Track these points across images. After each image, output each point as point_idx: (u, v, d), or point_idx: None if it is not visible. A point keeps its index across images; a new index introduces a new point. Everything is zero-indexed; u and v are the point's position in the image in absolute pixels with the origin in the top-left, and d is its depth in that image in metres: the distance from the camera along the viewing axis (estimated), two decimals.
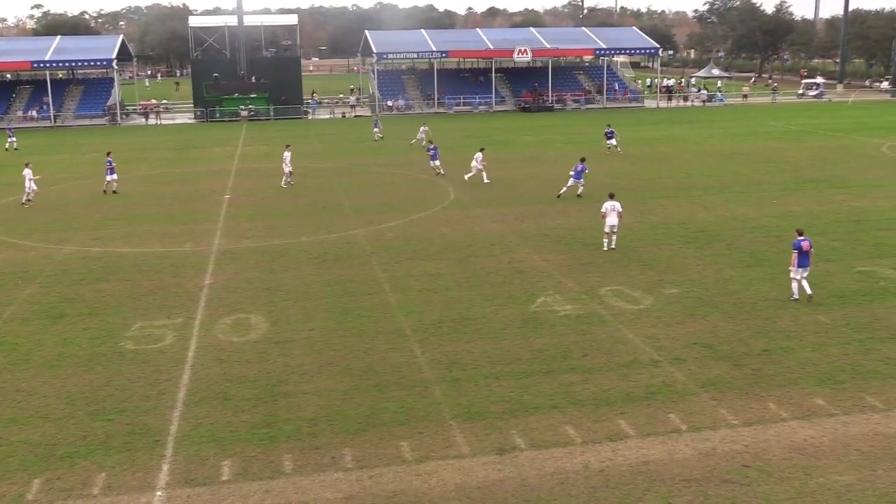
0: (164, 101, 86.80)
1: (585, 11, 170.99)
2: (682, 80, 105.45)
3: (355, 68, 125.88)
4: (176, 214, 33.40)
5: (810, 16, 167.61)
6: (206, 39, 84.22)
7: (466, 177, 38.72)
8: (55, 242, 28.65)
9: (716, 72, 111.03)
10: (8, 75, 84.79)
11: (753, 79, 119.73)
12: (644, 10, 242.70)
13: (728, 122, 66.48)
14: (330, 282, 23.31)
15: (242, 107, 75.36)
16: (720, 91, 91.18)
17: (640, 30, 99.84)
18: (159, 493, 12.63)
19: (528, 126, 65.08)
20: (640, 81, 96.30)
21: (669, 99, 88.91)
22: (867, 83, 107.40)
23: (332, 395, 15.78)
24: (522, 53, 79.16)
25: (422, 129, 53.89)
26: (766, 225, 29.22)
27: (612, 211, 25.66)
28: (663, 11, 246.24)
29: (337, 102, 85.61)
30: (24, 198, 35.42)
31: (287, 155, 38.96)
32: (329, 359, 17.61)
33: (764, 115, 71.80)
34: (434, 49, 79.67)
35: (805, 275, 20.56)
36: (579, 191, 34.61)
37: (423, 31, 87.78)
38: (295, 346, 18.35)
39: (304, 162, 45.32)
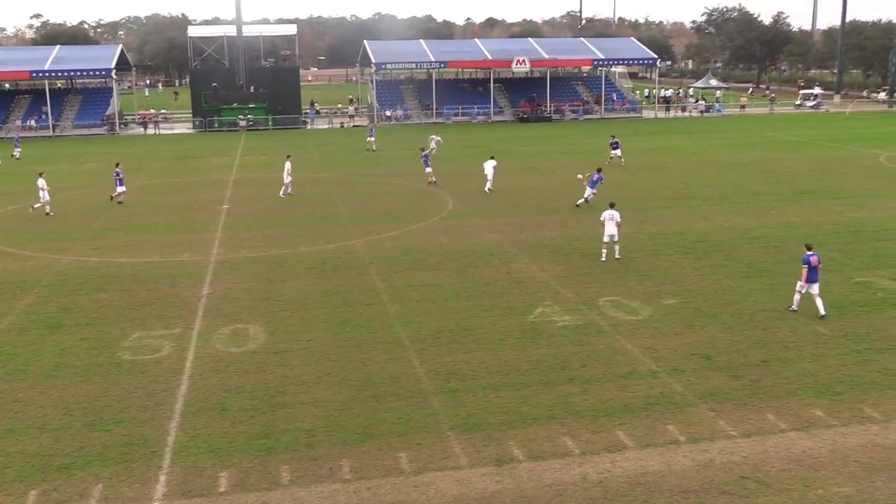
0: (162, 111, 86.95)
1: (584, 22, 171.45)
2: (680, 90, 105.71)
3: (354, 78, 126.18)
4: (174, 224, 33.40)
5: (808, 27, 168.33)
6: (205, 49, 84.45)
7: (487, 187, 39.11)
8: (53, 252, 28.63)
9: (714, 82, 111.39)
10: (7, 85, 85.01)
11: (751, 89, 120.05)
12: (642, 20, 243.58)
13: (726, 133, 66.61)
14: (328, 292, 23.30)
15: (241, 116, 75.48)
16: (718, 101, 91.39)
17: (638, 40, 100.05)
18: None
19: (526, 136, 65.16)
20: (638, 92, 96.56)
21: (667, 109, 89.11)
22: (864, 94, 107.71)
23: (330, 406, 15.76)
24: (521, 64, 79.35)
25: (433, 138, 53.87)
26: (765, 235, 29.25)
27: (609, 220, 25.71)
28: (661, 22, 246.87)
29: (336, 113, 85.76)
30: (42, 206, 35.56)
31: (287, 165, 39.08)
32: (327, 369, 17.59)
33: (762, 126, 71.96)
34: (432, 59, 79.85)
35: (817, 291, 20.30)
36: (586, 195, 34.54)
37: (421, 41, 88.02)
38: (293, 357, 18.33)
39: (303, 172, 45.33)
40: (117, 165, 39.24)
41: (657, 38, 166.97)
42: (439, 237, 29.95)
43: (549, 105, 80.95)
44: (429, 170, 41.47)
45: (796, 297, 20.67)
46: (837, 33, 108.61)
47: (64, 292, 23.71)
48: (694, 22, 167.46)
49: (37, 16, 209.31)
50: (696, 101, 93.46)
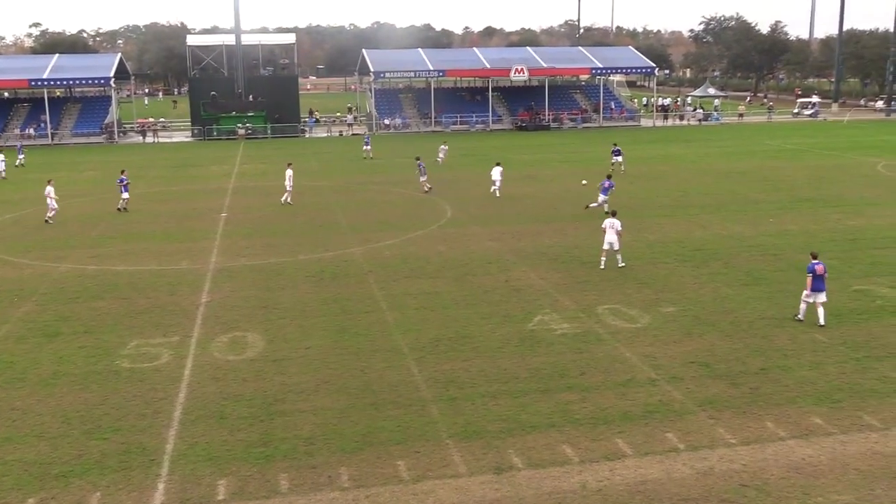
0: (161, 119, 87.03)
1: (582, 31, 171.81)
2: (679, 99, 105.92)
3: (352, 87, 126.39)
4: (173, 232, 33.40)
5: (805, 35, 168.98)
6: (204, 58, 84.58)
7: (496, 193, 39.97)
8: (51, 260, 28.62)
9: (712, 91, 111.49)
10: (6, 93, 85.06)
11: (749, 98, 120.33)
12: (640, 29, 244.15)
13: (724, 141, 66.73)
14: (327, 300, 23.29)
15: (240, 125, 75.59)
16: (716, 110, 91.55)
17: (637, 49, 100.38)
18: None
19: (524, 145, 65.26)
20: (636, 100, 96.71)
21: (665, 118, 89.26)
22: (862, 102, 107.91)
23: (329, 414, 15.73)
24: (519, 72, 79.54)
25: (442, 148, 53.85)
26: (763, 244, 29.27)
27: (610, 228, 25.76)
28: (659, 31, 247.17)
29: (334, 121, 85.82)
30: (50, 213, 35.69)
31: (289, 173, 39.18)
32: (326, 377, 17.57)
33: (760, 134, 72.10)
34: (431, 68, 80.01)
35: (823, 299, 20.18)
36: (597, 202, 34.55)
37: (420, 50, 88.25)
38: (291, 365, 18.30)
39: (302, 180, 45.31)
40: (122, 172, 39.27)
41: (655, 46, 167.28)
42: (438, 245, 29.96)
43: (547, 113, 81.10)
44: (423, 178, 41.63)
45: (802, 306, 20.56)
46: (835, 42, 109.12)
47: (62, 300, 23.69)
48: (692, 31, 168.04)
49: (36, 24, 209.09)
50: (695, 109, 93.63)
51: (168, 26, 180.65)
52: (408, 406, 16.07)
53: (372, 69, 79.05)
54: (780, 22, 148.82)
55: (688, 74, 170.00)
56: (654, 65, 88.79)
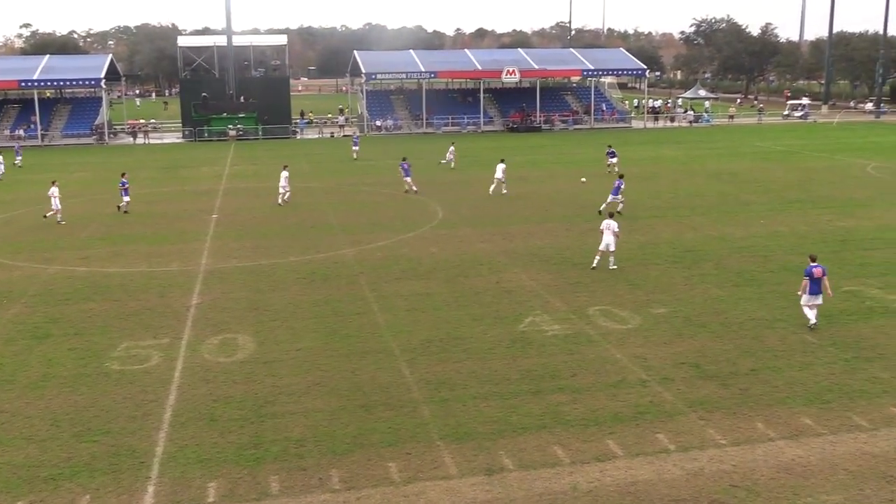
0: (152, 121, 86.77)
1: (573, 33, 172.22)
2: (669, 100, 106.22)
3: (344, 88, 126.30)
4: (163, 234, 33.29)
5: (795, 38, 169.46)
6: (195, 59, 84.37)
7: (500, 191, 40.34)
8: (41, 262, 28.49)
9: (702, 93, 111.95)
10: None
11: (739, 100, 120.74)
12: (631, 31, 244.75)
13: (715, 143, 66.93)
14: (318, 302, 23.26)
15: (231, 126, 75.43)
16: (707, 112, 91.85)
17: (627, 51, 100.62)
18: None
19: (516, 146, 65.28)
20: (627, 102, 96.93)
21: (656, 119, 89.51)
22: (852, 104, 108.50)
23: (320, 416, 15.70)
24: (511, 74, 79.60)
25: (451, 149, 53.78)
26: (754, 245, 29.35)
27: (606, 230, 25.83)
28: (650, 33, 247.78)
29: (326, 122, 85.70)
30: (54, 214, 35.62)
31: (285, 174, 39.39)
32: (317, 379, 17.54)
33: (750, 136, 72.34)
34: (423, 69, 79.99)
35: (819, 301, 20.11)
36: (619, 207, 34.57)
37: (411, 51, 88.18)
38: (282, 367, 18.27)
39: (293, 182, 45.10)
40: (123, 175, 39.17)
41: (646, 48, 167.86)
42: (429, 246, 29.94)
43: (538, 115, 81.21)
44: (408, 179, 41.74)
45: (806, 311, 20.21)
46: (825, 44, 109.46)
47: (51, 302, 23.59)
48: (683, 33, 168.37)
49: (26, 25, 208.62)
50: (685, 111, 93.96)
51: (159, 27, 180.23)
52: (399, 408, 16.06)
53: (363, 70, 79.02)
54: (770, 24, 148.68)
55: (678, 76, 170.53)
56: (644, 67, 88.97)
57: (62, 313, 22.48)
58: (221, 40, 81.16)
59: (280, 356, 18.92)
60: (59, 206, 35.77)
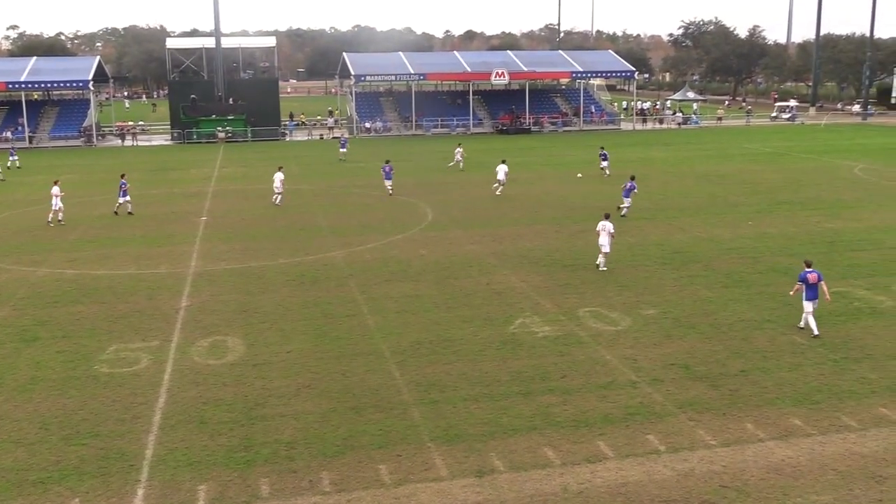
0: (140, 123, 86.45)
1: (562, 35, 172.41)
2: (658, 102, 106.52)
3: (333, 90, 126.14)
4: (152, 236, 33.17)
5: (783, 40, 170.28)
6: (184, 61, 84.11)
7: (498, 191, 41.04)
8: (29, 265, 28.34)
9: (691, 95, 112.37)
10: None
11: (727, 101, 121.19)
12: (620, 33, 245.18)
13: (703, 145, 67.16)
14: (308, 304, 23.21)
15: (220, 128, 75.23)
16: (695, 114, 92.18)
17: (616, 53, 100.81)
18: None
19: (505, 148, 65.14)
20: (616, 104, 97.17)
21: (645, 121, 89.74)
22: (839, 106, 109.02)
23: (310, 418, 15.67)
24: (500, 76, 79.67)
25: (457, 150, 53.71)
26: (742, 246, 29.46)
27: (602, 230, 25.90)
28: (639, 35, 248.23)
29: (315, 124, 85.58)
30: (55, 216, 35.46)
31: (280, 176, 39.74)
32: (307, 381, 17.50)
33: (738, 138, 72.61)
34: (412, 71, 80.00)
35: (814, 307, 19.89)
36: (623, 211, 34.71)
37: (400, 53, 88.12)
38: (272, 369, 18.22)
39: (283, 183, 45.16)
40: (122, 177, 38.99)
41: (635, 50, 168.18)
42: (419, 248, 29.93)
43: (528, 117, 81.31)
44: (388, 182, 41.86)
45: (809, 319, 19.95)
46: (812, 47, 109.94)
47: (40, 305, 23.46)
48: (671, 35, 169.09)
49: (13, 27, 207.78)
50: (674, 113, 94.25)
51: (147, 29, 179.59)
52: (389, 410, 16.04)
53: (353, 72, 78.97)
54: (758, 26, 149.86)
55: (667, 78, 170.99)
56: (633, 69, 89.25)
57: (50, 316, 22.36)
58: (210, 42, 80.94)
59: (270, 358, 18.88)
60: (61, 206, 35.61)
